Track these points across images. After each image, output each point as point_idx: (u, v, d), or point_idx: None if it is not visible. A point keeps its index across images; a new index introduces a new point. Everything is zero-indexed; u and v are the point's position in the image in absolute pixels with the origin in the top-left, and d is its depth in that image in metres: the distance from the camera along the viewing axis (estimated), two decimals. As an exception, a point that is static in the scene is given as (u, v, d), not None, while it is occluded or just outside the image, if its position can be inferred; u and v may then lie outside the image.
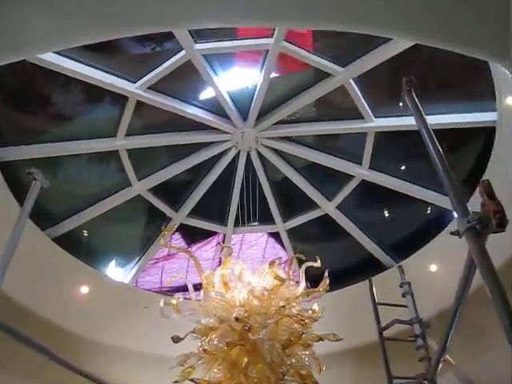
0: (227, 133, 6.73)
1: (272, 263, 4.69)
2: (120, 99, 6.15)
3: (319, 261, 4.94)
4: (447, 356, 4.91)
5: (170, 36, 5.84)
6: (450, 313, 6.33)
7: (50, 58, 5.33)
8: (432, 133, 3.51)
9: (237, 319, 4.27)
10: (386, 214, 8.05)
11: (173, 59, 5.69)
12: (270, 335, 4.46)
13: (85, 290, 6.97)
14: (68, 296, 6.81)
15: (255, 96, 6.31)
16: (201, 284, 4.96)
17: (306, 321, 4.55)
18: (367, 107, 6.25)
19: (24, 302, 6.25)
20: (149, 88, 6.02)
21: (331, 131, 6.83)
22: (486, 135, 6.07)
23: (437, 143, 3.43)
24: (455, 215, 6.78)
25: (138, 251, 7.96)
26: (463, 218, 2.91)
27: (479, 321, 5.68)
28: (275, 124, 6.73)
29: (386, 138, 6.79)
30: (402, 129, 6.39)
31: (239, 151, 7.04)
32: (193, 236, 8.01)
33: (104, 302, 7.07)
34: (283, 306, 4.47)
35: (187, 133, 6.75)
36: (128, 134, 6.48)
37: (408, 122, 6.23)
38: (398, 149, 7.18)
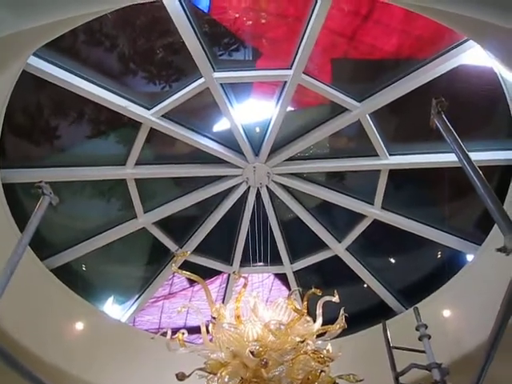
0: (238, 167, 6.60)
1: (290, 295, 4.44)
2: (132, 126, 6.06)
3: (337, 296, 4.69)
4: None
5: (182, 73, 5.87)
6: (465, 359, 6.15)
7: (63, 76, 5.29)
8: (465, 149, 3.35)
9: (252, 353, 3.95)
10: (396, 257, 7.82)
11: (190, 87, 5.65)
12: (286, 373, 4.14)
13: (80, 326, 6.59)
14: (63, 331, 6.44)
15: (269, 130, 6.23)
16: (199, 327, 4.66)
17: (325, 359, 4.24)
18: (382, 144, 6.18)
19: (15, 334, 5.81)
20: (163, 116, 5.93)
21: (345, 168, 6.72)
22: (500, 174, 6.00)
23: (471, 159, 3.28)
24: (468, 258, 6.71)
25: (138, 289, 7.64)
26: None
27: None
28: (287, 160, 6.62)
29: (399, 178, 6.68)
30: (417, 166, 6.30)
31: (249, 187, 6.88)
32: (196, 274, 7.70)
33: (100, 341, 6.69)
34: (302, 341, 4.17)
35: (198, 165, 6.61)
36: (138, 163, 6.34)
37: (422, 159, 6.25)
38: (411, 189, 7.07)
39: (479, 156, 5.73)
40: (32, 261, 6.05)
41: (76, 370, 6.35)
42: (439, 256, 7.26)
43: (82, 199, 6.89)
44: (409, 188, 7.07)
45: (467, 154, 3.34)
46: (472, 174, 3.24)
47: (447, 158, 5.82)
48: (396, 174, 6.60)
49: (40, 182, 4.09)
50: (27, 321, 5.98)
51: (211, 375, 4.35)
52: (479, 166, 3.25)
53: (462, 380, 4.57)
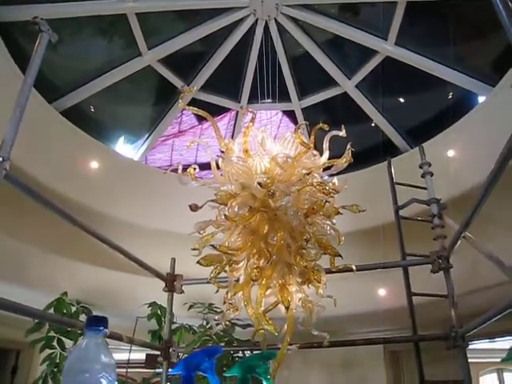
0: (245, -3, 6.19)
1: (297, 129, 4.47)
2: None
3: (344, 130, 4.72)
4: (467, 233, 4.83)
5: None
6: (464, 197, 6.37)
7: None
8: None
9: (260, 184, 4.10)
10: (406, 97, 7.68)
11: None
12: (292, 203, 4.34)
13: (94, 164, 6.76)
14: (78, 170, 6.58)
15: (278, -46, 5.70)
16: (209, 164, 4.75)
17: (330, 190, 4.41)
18: (401, -30, 5.68)
19: (37, 175, 5.92)
20: None
21: (359, -1, 6.28)
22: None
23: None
24: (480, 100, 6.55)
25: (148, 128, 7.72)
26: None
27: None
28: (298, -10, 6.17)
29: (416, 12, 6.24)
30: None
31: (257, 20, 6.52)
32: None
33: (115, 178, 6.92)
34: (308, 174, 4.30)
35: (202, -4, 6.20)
36: (137, -5, 5.94)
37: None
38: (428, 25, 6.65)
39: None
40: (40, 104, 5.94)
41: (93, 204, 6.60)
42: (450, 97, 7.11)
43: (83, 39, 6.59)
44: (426, 24, 6.63)
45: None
46: (499, 3, 3.01)
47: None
48: (414, 8, 6.14)
49: (35, 17, 3.88)
50: (43, 160, 6.09)
51: (222, 206, 4.59)
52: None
53: (458, 215, 4.78)
